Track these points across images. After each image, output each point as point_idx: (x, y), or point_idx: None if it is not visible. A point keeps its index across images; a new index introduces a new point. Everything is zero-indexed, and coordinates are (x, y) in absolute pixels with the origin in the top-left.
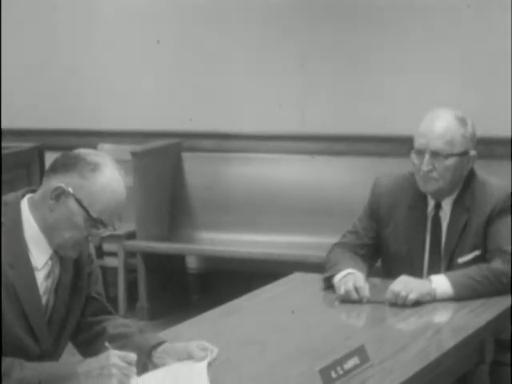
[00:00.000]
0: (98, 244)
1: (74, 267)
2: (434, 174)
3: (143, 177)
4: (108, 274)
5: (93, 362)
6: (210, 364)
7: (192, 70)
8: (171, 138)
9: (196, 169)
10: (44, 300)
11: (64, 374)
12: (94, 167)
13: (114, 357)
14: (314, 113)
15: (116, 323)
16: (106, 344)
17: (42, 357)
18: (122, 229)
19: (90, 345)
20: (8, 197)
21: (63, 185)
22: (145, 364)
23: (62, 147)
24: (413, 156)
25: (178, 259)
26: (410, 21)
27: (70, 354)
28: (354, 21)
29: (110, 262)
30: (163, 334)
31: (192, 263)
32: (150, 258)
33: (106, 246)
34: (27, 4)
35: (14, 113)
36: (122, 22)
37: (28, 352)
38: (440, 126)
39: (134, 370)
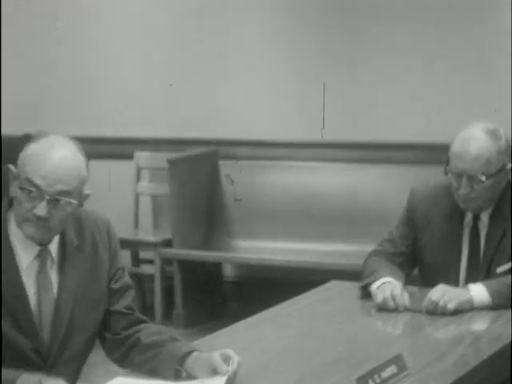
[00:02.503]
0: (45, 215)
1: (85, 274)
2: (473, 195)
3: (180, 184)
4: (144, 281)
5: None
6: (234, 374)
7: (228, 77)
8: (208, 146)
9: (232, 176)
10: (34, 300)
11: None
12: (33, 140)
13: None
14: (352, 120)
15: (149, 331)
16: None
17: (45, 363)
18: (159, 236)
19: (126, 358)
20: None
21: (11, 165)
22: (177, 370)
23: (98, 155)
24: (450, 175)
25: (215, 267)
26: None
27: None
28: (373, 28)
29: (146, 269)
30: (200, 343)
31: (228, 271)
32: (187, 266)
33: (143, 254)
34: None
35: (51, 120)
36: (147, 28)
37: (26, 357)
38: (474, 147)
39: None
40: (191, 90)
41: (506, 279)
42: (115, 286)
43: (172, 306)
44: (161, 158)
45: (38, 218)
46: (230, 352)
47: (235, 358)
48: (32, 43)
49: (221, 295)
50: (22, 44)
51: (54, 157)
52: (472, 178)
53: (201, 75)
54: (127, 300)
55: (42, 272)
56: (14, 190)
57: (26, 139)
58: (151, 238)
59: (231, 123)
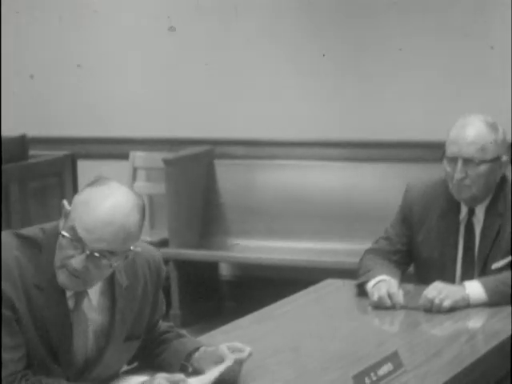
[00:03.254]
0: (81, 269)
1: (130, 316)
2: (467, 182)
3: (175, 184)
4: None
5: None
6: (243, 362)
7: (224, 77)
8: (203, 145)
9: (228, 175)
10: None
11: None
12: (91, 184)
13: (161, 378)
14: (346, 119)
15: (159, 330)
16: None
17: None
18: (155, 236)
19: (135, 356)
20: (47, 225)
21: (64, 200)
22: (183, 366)
23: (94, 155)
24: (445, 163)
25: (211, 266)
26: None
27: None
28: (384, 23)
29: None
30: None
31: (225, 270)
32: (183, 266)
33: None
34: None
35: (46, 121)
36: (145, 29)
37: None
38: (471, 132)
39: None
40: (186, 90)
41: (502, 276)
42: (152, 319)
43: (169, 305)
44: (156, 158)
45: (75, 269)
46: (238, 344)
47: (246, 348)
48: (31, 44)
49: (217, 294)
50: (21, 44)
51: (105, 211)
52: (467, 162)
53: (196, 75)
54: (161, 310)
55: (75, 310)
56: (61, 228)
57: (23, 140)
58: (147, 238)
59: (227, 122)
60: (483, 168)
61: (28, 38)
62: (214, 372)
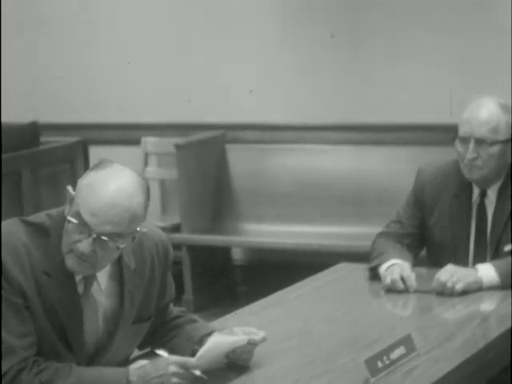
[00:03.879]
0: (89, 253)
1: (139, 298)
2: (479, 162)
3: (187, 169)
4: None
5: (149, 370)
6: (256, 345)
7: (235, 63)
8: (215, 130)
9: (240, 160)
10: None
11: (115, 381)
12: (94, 167)
13: (173, 365)
14: (357, 103)
15: (171, 315)
16: (161, 352)
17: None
18: (167, 221)
19: (148, 340)
20: (53, 211)
21: (69, 186)
22: (194, 350)
23: (106, 141)
24: (457, 144)
25: (223, 251)
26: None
27: None
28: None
29: None
30: None
31: (237, 255)
32: (195, 251)
33: None
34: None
35: (58, 107)
36: (153, 14)
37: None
38: (484, 113)
39: (193, 375)
40: (198, 75)
41: None
42: (161, 301)
43: (181, 290)
44: (168, 143)
45: (82, 253)
46: (252, 328)
47: (260, 333)
48: (36, 29)
49: (230, 279)
50: (25, 30)
51: (109, 194)
52: (479, 142)
53: (207, 60)
54: (170, 293)
55: (84, 295)
56: (67, 213)
57: (34, 127)
58: (159, 223)
59: (238, 107)
60: (495, 149)
61: (42, 29)
62: (237, 338)
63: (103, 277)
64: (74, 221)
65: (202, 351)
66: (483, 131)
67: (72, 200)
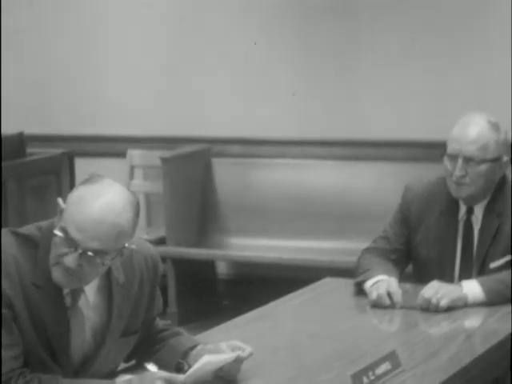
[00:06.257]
0: (74, 267)
1: (127, 312)
2: (467, 180)
3: (173, 182)
4: None
5: (136, 383)
6: (243, 361)
7: (221, 76)
8: (201, 144)
9: (225, 174)
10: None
11: None
12: (84, 182)
13: (160, 380)
14: (343, 118)
15: (157, 328)
16: (149, 366)
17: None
18: (152, 234)
19: (133, 353)
20: (43, 223)
21: (59, 198)
22: (179, 363)
23: (91, 153)
24: (445, 160)
25: (208, 265)
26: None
27: None
28: (385, 18)
29: None
30: None
31: (222, 269)
32: (180, 264)
33: None
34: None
35: (44, 119)
36: (140, 27)
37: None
38: (473, 131)
39: None
40: (183, 89)
41: (500, 275)
42: (149, 315)
43: (165, 303)
44: (154, 156)
45: (68, 267)
46: (238, 342)
47: (246, 347)
48: (22, 40)
49: (214, 293)
50: (10, 41)
51: (96, 210)
52: (467, 160)
53: (193, 74)
54: (157, 308)
55: (72, 308)
56: (55, 226)
57: (20, 138)
58: (145, 236)
59: (224, 121)
60: (483, 167)
61: (28, 41)
62: (225, 355)
63: (91, 290)
64: (61, 235)
65: (191, 371)
66: (472, 149)
67: (61, 213)
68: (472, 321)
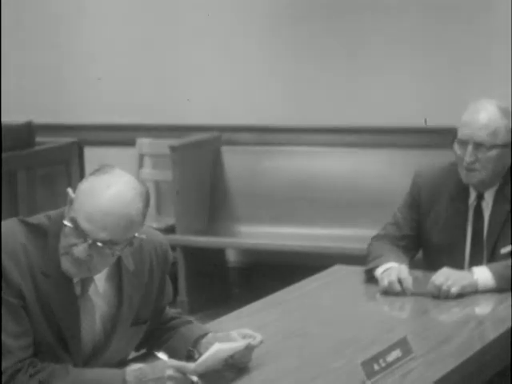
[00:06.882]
0: (84, 258)
1: (137, 301)
2: (477, 165)
3: (182, 171)
4: None
5: (146, 371)
6: (254, 348)
7: (230, 64)
8: (210, 132)
9: (235, 162)
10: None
11: (111, 382)
12: (95, 172)
13: (171, 369)
14: (353, 105)
15: (167, 317)
16: (160, 354)
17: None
18: (162, 223)
19: (143, 342)
20: (52, 212)
21: (69, 188)
22: (189, 352)
23: (101, 142)
24: (456, 146)
25: (218, 253)
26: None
27: None
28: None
29: None
30: None
31: (232, 257)
32: (190, 252)
33: None
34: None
35: (53, 108)
36: (146, 13)
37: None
38: (484, 117)
39: (190, 380)
40: (193, 76)
41: (511, 262)
42: (159, 304)
43: (176, 292)
44: (163, 145)
45: (78, 257)
46: (248, 330)
47: (257, 335)
48: (33, 30)
49: (224, 281)
50: (22, 31)
51: (105, 201)
52: (478, 146)
53: (203, 61)
54: (168, 296)
55: (82, 296)
56: (65, 215)
57: (29, 127)
58: (154, 225)
59: (233, 109)
60: (494, 153)
61: (32, 30)
62: (236, 343)
63: (101, 279)
64: (71, 225)
65: (202, 359)
66: (482, 135)
67: (71, 203)
68: (483, 307)
